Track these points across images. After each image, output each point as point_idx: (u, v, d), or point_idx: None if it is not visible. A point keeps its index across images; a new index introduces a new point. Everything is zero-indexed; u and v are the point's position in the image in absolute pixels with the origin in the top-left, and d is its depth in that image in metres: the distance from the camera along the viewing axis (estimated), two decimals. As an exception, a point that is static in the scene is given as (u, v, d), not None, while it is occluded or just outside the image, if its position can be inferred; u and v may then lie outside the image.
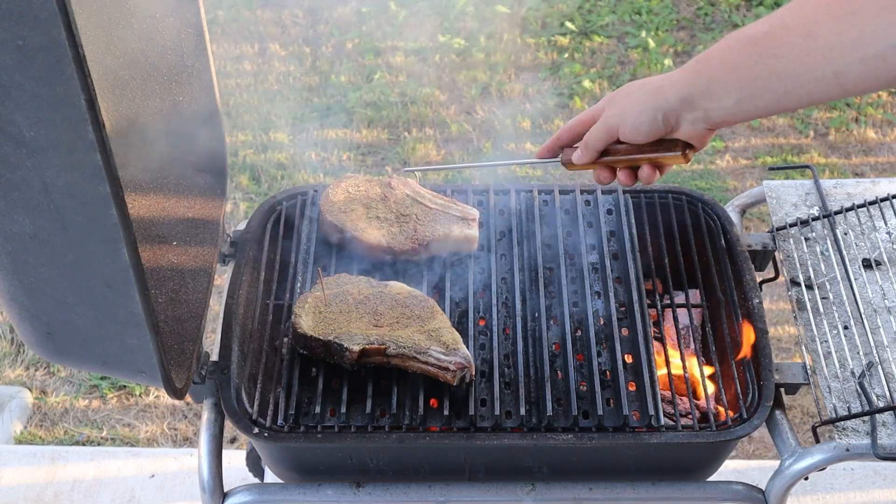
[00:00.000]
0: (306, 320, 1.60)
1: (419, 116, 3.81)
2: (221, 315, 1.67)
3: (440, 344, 1.55)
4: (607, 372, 1.63)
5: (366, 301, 1.64)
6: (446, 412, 1.54)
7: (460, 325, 1.69)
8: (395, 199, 1.81)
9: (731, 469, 2.47)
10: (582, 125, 1.41)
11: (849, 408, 1.52)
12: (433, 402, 1.57)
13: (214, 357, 1.61)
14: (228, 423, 1.55)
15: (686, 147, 1.32)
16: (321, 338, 1.57)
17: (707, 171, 3.62)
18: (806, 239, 1.81)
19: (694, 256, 1.80)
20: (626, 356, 1.64)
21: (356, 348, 1.54)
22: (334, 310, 1.62)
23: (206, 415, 1.57)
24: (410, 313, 1.62)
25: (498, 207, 1.89)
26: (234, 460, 2.25)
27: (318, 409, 1.54)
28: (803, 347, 1.64)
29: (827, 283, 1.72)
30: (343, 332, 1.57)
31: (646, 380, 1.58)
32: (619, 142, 1.36)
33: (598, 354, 1.64)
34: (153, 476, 2.54)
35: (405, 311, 1.62)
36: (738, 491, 1.56)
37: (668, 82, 1.27)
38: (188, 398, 1.54)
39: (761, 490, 1.56)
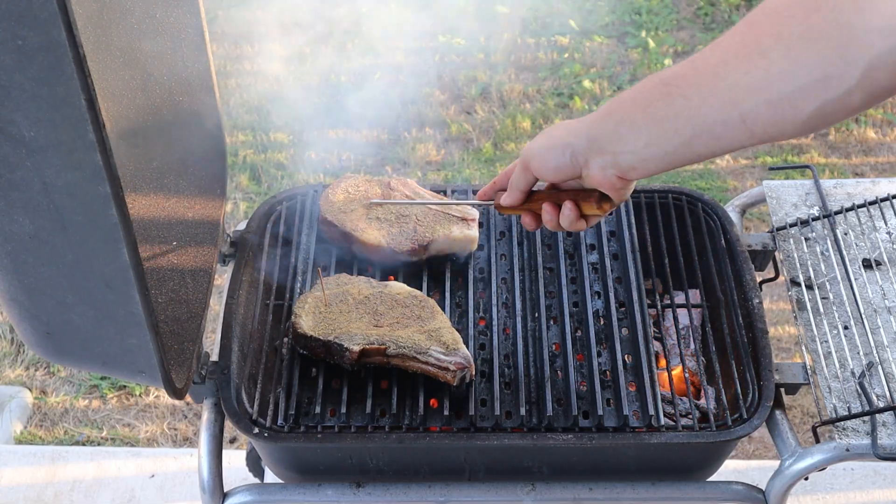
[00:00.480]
0: (306, 320, 1.60)
1: (419, 116, 3.81)
2: (221, 315, 1.67)
3: (440, 344, 1.55)
4: (607, 372, 1.63)
5: (366, 301, 1.64)
6: (446, 412, 1.54)
7: (460, 325, 1.69)
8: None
9: (731, 469, 2.47)
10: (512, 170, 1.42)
11: (849, 408, 1.52)
12: (433, 402, 1.57)
13: (214, 357, 1.61)
14: (228, 423, 1.55)
15: (601, 198, 1.31)
16: (321, 338, 1.57)
17: (707, 171, 3.62)
18: (806, 239, 1.81)
19: (694, 256, 1.80)
20: (626, 356, 1.64)
21: (356, 348, 1.54)
22: (334, 310, 1.62)
23: (206, 415, 1.57)
24: (410, 313, 1.62)
25: (498, 207, 1.89)
26: (234, 460, 2.25)
27: (318, 409, 1.54)
28: (803, 347, 1.64)
29: (827, 283, 1.72)
30: (343, 333, 1.57)
31: (646, 380, 1.58)
32: (551, 188, 1.38)
33: (598, 354, 1.64)
34: (153, 476, 2.54)
35: (405, 311, 1.62)
36: (738, 491, 1.56)
37: (582, 122, 1.24)
38: (188, 398, 1.54)
39: (761, 490, 1.56)
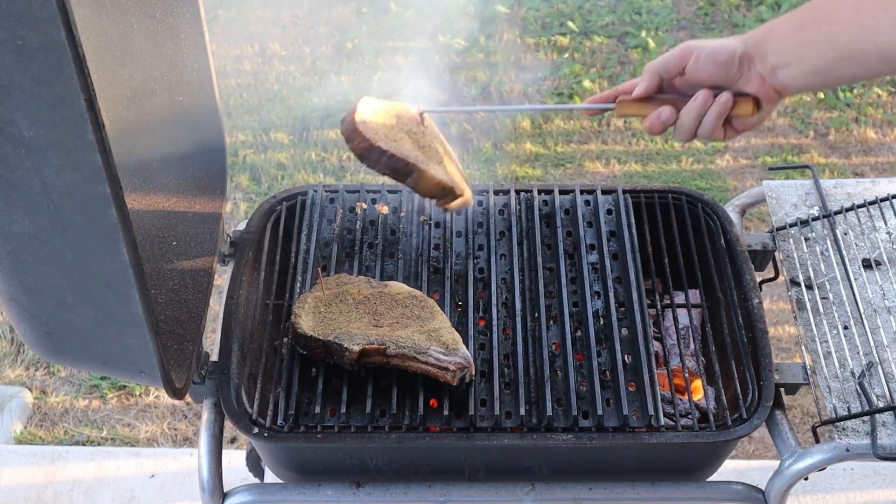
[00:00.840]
0: (306, 320, 1.60)
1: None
2: (221, 315, 1.67)
3: (440, 344, 1.55)
4: (607, 372, 1.63)
5: (366, 301, 1.64)
6: (446, 412, 1.54)
7: (460, 325, 1.69)
8: (428, 133, 1.70)
9: (731, 469, 2.47)
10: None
11: (849, 408, 1.52)
12: (433, 402, 1.57)
13: (214, 357, 1.61)
14: (228, 423, 1.55)
15: (756, 103, 1.34)
16: (321, 338, 1.57)
17: (707, 171, 3.62)
18: (806, 239, 1.81)
19: (694, 256, 1.80)
20: (626, 356, 1.64)
21: (356, 348, 1.54)
22: (334, 310, 1.62)
23: (206, 415, 1.57)
24: (410, 313, 1.62)
25: (497, 207, 1.89)
26: (234, 460, 2.25)
27: (317, 409, 1.54)
28: (803, 347, 1.64)
29: (827, 283, 1.72)
30: (343, 333, 1.57)
31: (646, 380, 1.58)
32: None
33: (598, 354, 1.64)
34: (153, 476, 2.54)
35: (405, 311, 1.62)
36: (738, 491, 1.56)
37: (749, 34, 1.33)
38: (188, 398, 1.54)
39: (761, 490, 1.56)
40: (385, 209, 1.87)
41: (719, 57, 1.34)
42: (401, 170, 1.58)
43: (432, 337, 1.56)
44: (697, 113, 1.36)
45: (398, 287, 1.67)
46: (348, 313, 1.61)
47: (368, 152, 1.56)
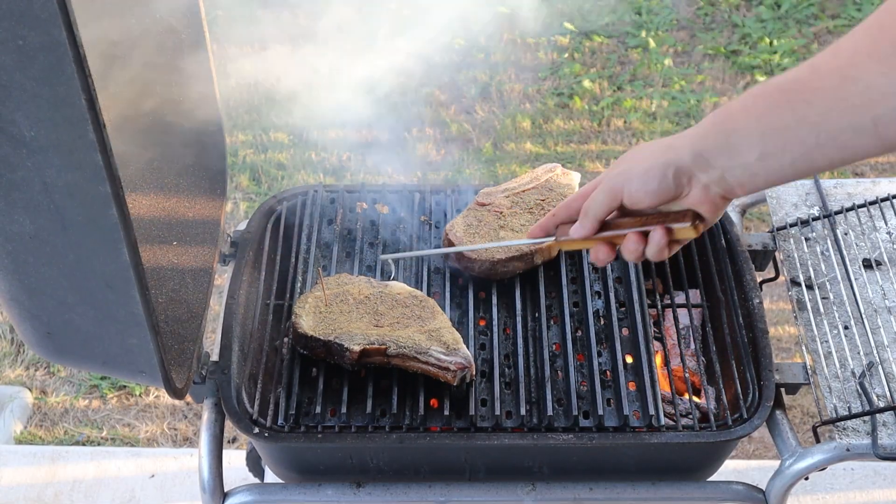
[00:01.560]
0: (306, 320, 1.60)
1: (419, 116, 3.81)
2: (221, 315, 1.67)
3: (441, 344, 1.55)
4: (607, 372, 1.63)
5: (366, 301, 1.64)
6: (446, 412, 1.54)
7: (460, 324, 1.69)
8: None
9: (731, 469, 2.47)
10: (581, 198, 1.26)
11: (849, 408, 1.52)
12: (433, 402, 1.57)
13: (214, 357, 1.61)
14: (228, 423, 1.55)
15: (696, 217, 1.17)
16: (321, 338, 1.57)
17: (707, 171, 3.61)
18: (806, 239, 1.81)
19: (694, 256, 1.80)
20: (626, 356, 1.64)
21: (356, 348, 1.54)
22: (335, 310, 1.62)
23: (207, 415, 1.57)
24: (411, 313, 1.62)
25: (498, 207, 1.89)
26: (234, 460, 2.25)
27: (318, 409, 1.54)
28: (803, 347, 1.64)
29: (827, 283, 1.72)
30: (343, 333, 1.57)
31: (646, 380, 1.58)
32: (621, 214, 1.23)
33: (599, 354, 1.64)
34: (153, 476, 2.54)
35: (406, 311, 1.62)
36: (739, 491, 1.56)
37: (681, 138, 1.14)
38: (188, 398, 1.54)
39: (761, 490, 1.56)
40: (385, 209, 1.87)
41: (650, 186, 1.15)
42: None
43: (433, 337, 1.56)
44: (634, 254, 1.23)
45: (399, 287, 1.67)
46: (349, 313, 1.61)
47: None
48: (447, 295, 1.72)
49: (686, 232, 1.18)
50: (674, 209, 1.19)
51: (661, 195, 1.16)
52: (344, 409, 1.55)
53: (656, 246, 1.20)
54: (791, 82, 1.03)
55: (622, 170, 1.20)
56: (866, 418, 1.50)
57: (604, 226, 1.24)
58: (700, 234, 1.20)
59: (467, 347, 1.60)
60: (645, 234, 1.21)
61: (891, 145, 0.99)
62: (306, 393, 1.59)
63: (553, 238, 1.31)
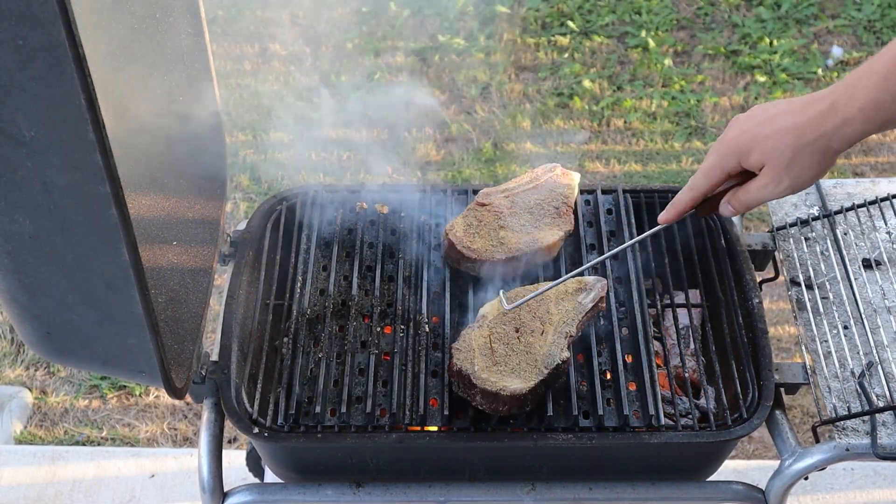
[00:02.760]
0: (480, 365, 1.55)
1: (419, 116, 3.80)
2: (221, 315, 1.67)
3: (579, 293, 1.63)
4: (607, 372, 1.63)
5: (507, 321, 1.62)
6: (446, 412, 1.54)
7: (461, 324, 1.69)
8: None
9: (731, 469, 2.47)
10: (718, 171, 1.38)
11: (849, 407, 1.52)
12: (433, 402, 1.57)
13: (214, 357, 1.61)
14: (228, 423, 1.55)
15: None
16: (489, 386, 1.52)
17: (707, 171, 3.61)
18: (806, 239, 1.81)
19: (694, 256, 1.80)
20: (626, 356, 1.64)
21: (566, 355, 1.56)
22: (499, 351, 1.57)
23: (206, 415, 1.57)
24: (539, 307, 1.63)
25: (498, 207, 1.88)
26: (234, 460, 2.25)
27: (318, 409, 1.54)
28: (803, 347, 1.64)
29: (827, 283, 1.72)
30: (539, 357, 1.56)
31: (646, 380, 1.58)
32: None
33: (599, 354, 1.64)
34: (153, 476, 2.54)
35: (533, 312, 1.63)
36: (738, 491, 1.56)
37: (822, 114, 1.24)
38: (188, 398, 1.54)
39: (761, 490, 1.56)
40: (385, 209, 1.87)
41: (818, 169, 1.27)
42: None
43: (570, 296, 1.62)
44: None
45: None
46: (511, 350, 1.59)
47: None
48: (447, 295, 1.72)
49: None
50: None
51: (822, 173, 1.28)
52: (344, 409, 1.55)
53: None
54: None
55: (778, 149, 1.26)
56: (866, 418, 1.50)
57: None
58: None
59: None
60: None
61: None
62: (306, 393, 1.59)
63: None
